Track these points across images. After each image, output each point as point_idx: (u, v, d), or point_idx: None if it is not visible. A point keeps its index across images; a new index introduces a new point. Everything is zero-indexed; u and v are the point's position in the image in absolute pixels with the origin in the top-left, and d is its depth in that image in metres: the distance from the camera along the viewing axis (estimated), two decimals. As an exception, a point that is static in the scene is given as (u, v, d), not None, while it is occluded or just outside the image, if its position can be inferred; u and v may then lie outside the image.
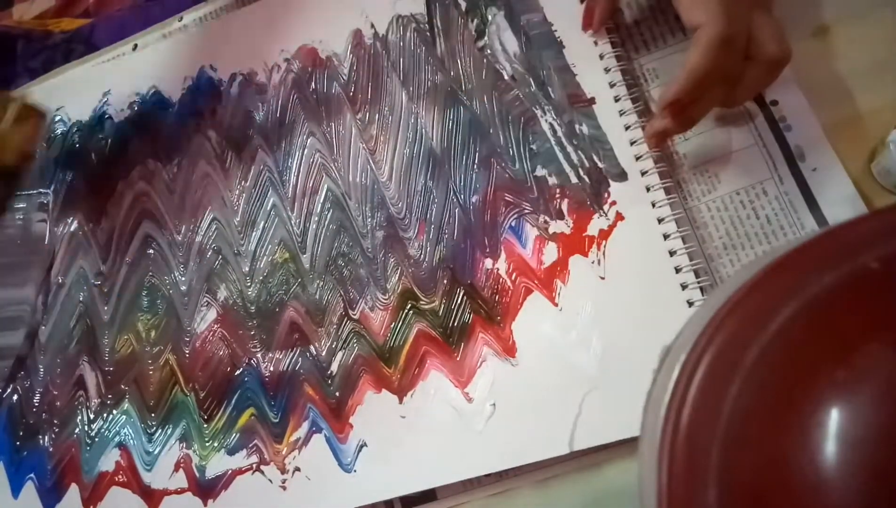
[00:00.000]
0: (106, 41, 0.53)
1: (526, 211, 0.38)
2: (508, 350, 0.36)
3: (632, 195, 0.36)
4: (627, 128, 0.37)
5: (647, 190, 0.35)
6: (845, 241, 0.21)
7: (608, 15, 0.38)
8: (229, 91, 0.46)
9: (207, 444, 0.40)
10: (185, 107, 0.47)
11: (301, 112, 0.44)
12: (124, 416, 0.43)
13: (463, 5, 0.42)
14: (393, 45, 0.43)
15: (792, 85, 0.35)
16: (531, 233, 0.37)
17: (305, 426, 0.38)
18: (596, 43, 0.38)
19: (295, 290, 0.41)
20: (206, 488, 0.39)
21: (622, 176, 0.36)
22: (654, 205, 0.35)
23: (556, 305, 0.36)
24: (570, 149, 0.38)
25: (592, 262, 0.36)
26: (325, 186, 0.42)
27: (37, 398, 0.45)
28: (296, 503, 0.37)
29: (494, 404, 0.35)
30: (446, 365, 0.37)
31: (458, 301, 0.37)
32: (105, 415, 0.43)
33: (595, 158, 0.37)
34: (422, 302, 0.38)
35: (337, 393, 0.38)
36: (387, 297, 0.39)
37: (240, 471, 0.39)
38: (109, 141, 0.48)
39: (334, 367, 0.39)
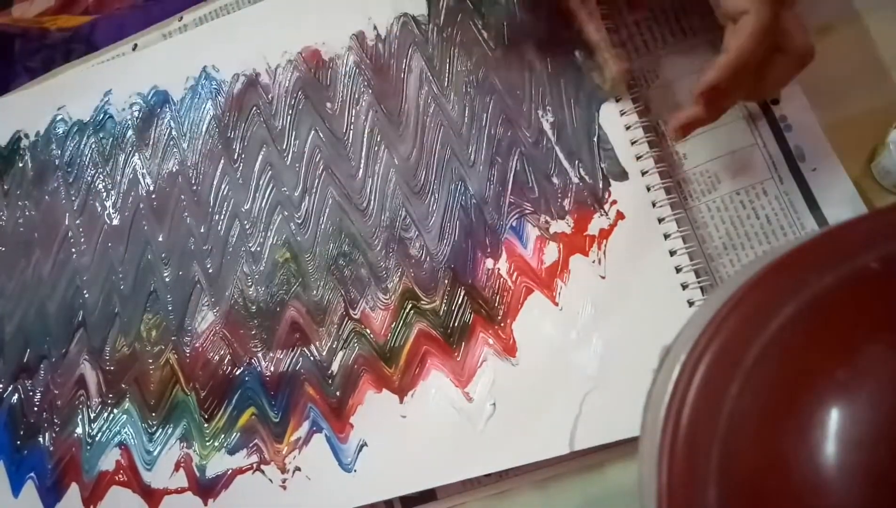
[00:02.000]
0: (106, 41, 0.53)
1: (527, 210, 0.38)
2: (509, 349, 0.36)
3: (632, 195, 0.36)
4: (628, 127, 0.37)
5: (648, 190, 0.36)
6: (845, 241, 0.21)
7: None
8: (232, 91, 0.46)
9: (208, 444, 0.40)
10: (186, 108, 0.47)
11: (304, 113, 0.44)
12: (125, 416, 0.43)
13: (465, 4, 0.42)
14: (395, 45, 0.43)
15: (792, 84, 0.35)
16: (532, 232, 0.37)
17: (306, 425, 0.38)
18: (596, 43, 0.38)
19: (296, 290, 0.41)
20: (206, 487, 0.39)
21: (623, 175, 0.36)
22: (654, 205, 0.35)
23: (557, 305, 0.36)
24: (570, 148, 0.38)
25: (593, 262, 0.36)
26: (328, 187, 0.42)
27: (37, 397, 0.45)
28: (296, 502, 0.37)
29: (495, 404, 0.35)
30: (447, 365, 0.37)
31: (459, 301, 0.37)
32: (106, 415, 0.43)
33: (596, 158, 0.37)
34: (423, 302, 0.38)
35: (337, 393, 0.38)
36: (388, 297, 0.39)
37: (240, 471, 0.39)
38: (112, 141, 0.48)
39: (335, 367, 0.39)
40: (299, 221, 0.42)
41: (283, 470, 0.38)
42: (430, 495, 0.37)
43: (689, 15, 0.38)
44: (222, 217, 0.44)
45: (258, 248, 0.42)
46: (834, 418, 0.18)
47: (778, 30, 0.31)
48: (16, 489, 0.44)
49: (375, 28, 0.43)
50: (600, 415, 0.33)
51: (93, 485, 0.42)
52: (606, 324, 0.34)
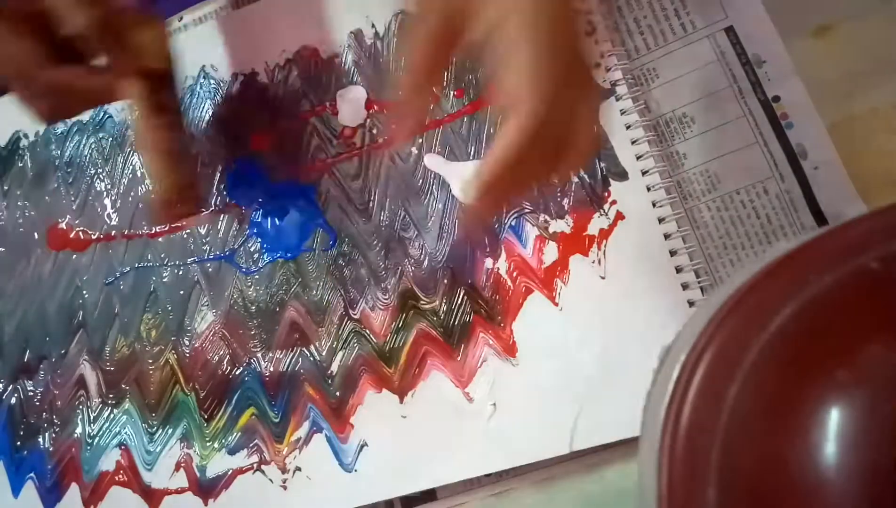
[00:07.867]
0: (106, 41, 0.53)
1: (526, 210, 0.38)
2: (509, 350, 0.36)
3: (632, 194, 0.36)
4: (628, 127, 0.37)
5: (648, 189, 0.35)
6: (845, 241, 0.21)
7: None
8: (231, 91, 0.46)
9: (208, 444, 0.40)
10: (186, 108, 0.47)
11: (303, 112, 0.44)
12: (125, 416, 0.43)
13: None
14: (393, 44, 0.43)
15: (794, 81, 0.35)
16: (531, 232, 0.37)
17: (306, 425, 0.38)
18: (597, 42, 0.38)
19: (295, 290, 0.41)
20: (206, 488, 0.39)
21: (623, 175, 0.36)
22: (654, 205, 0.35)
23: (557, 305, 0.36)
24: (570, 148, 0.38)
25: (593, 262, 0.36)
26: (327, 186, 0.42)
27: (37, 397, 0.45)
28: (296, 502, 0.37)
29: (495, 404, 0.35)
30: (447, 365, 0.37)
31: (459, 301, 0.37)
32: (106, 415, 0.43)
33: (596, 157, 0.37)
34: (422, 302, 0.38)
35: (337, 393, 0.38)
36: (387, 297, 0.39)
37: (240, 471, 0.39)
38: (111, 141, 0.48)
39: (335, 367, 0.39)
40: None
41: (284, 470, 0.38)
42: (430, 495, 0.37)
43: (689, 12, 0.38)
44: (222, 216, 0.44)
45: (258, 248, 0.42)
46: (834, 418, 0.18)
47: (562, 124, 0.26)
48: (16, 489, 0.44)
49: (374, 26, 0.43)
50: (600, 415, 0.33)
51: (93, 486, 0.42)
52: (606, 324, 0.34)
